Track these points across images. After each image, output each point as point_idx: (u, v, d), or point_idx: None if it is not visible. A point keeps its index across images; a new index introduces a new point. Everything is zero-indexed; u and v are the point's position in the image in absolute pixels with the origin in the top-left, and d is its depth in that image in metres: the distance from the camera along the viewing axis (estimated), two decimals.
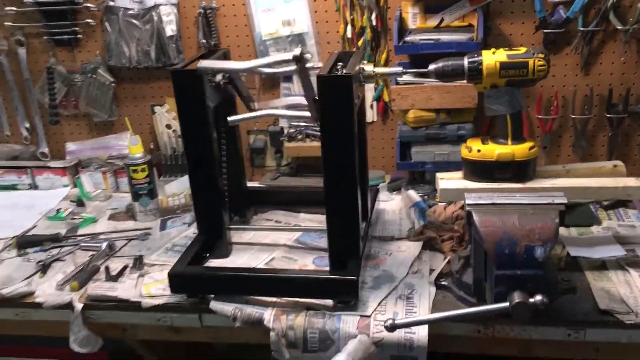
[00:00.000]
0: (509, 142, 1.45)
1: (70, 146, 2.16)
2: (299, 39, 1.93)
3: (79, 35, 2.03)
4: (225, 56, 1.63)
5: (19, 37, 2.06)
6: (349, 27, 1.88)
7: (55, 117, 2.11)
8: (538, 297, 1.16)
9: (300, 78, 1.34)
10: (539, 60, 1.36)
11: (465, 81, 1.41)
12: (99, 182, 2.12)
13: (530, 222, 1.22)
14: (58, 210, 1.99)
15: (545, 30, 1.81)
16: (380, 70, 1.45)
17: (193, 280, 1.47)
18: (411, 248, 1.64)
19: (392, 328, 1.22)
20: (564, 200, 1.25)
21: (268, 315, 1.41)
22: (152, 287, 1.53)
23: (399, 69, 1.44)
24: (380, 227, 1.77)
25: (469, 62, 1.39)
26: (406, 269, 1.55)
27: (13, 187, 2.19)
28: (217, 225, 1.61)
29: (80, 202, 2.02)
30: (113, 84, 2.07)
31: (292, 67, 1.35)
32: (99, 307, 1.53)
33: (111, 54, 2.02)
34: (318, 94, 1.33)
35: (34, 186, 2.19)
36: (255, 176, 2.15)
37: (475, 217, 1.25)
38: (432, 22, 1.85)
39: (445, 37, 1.76)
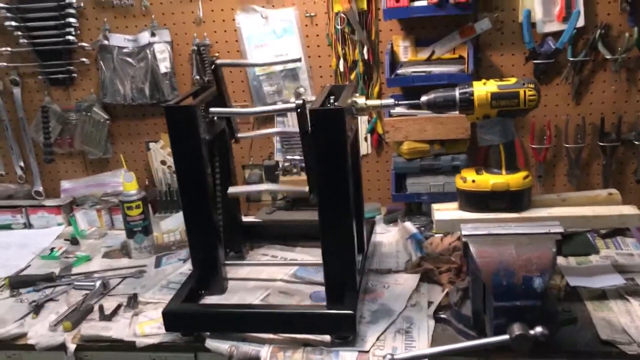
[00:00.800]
0: (503, 171, 1.45)
1: (65, 184, 2.16)
2: (292, 73, 1.94)
3: (73, 74, 2.05)
4: (216, 92, 1.64)
5: (13, 77, 2.08)
6: (342, 61, 1.90)
7: (50, 156, 2.10)
8: (538, 329, 1.14)
9: (299, 120, 1.35)
10: (529, 90, 1.37)
11: (457, 112, 1.42)
12: (94, 220, 2.11)
13: (527, 252, 1.21)
14: (52, 250, 1.98)
15: (535, 61, 1.83)
16: (373, 102, 1.46)
17: (188, 318, 1.45)
18: (409, 280, 1.62)
19: None
20: (560, 230, 1.25)
21: (265, 353, 1.39)
22: (146, 325, 1.51)
23: (391, 100, 1.45)
24: (378, 260, 1.76)
25: (460, 94, 1.40)
26: (404, 302, 1.53)
27: (8, 227, 2.18)
28: (212, 261, 1.60)
29: (74, 241, 2.01)
30: (108, 122, 2.08)
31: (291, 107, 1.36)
32: (93, 348, 1.50)
33: (106, 91, 2.03)
34: (311, 128, 1.33)
35: (28, 225, 2.18)
36: (252, 210, 2.14)
37: (471, 247, 1.24)
38: (424, 54, 1.87)
39: (436, 69, 1.78)
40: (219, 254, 1.60)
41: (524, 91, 1.37)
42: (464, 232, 1.28)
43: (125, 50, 2.00)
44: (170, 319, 1.45)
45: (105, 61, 2.01)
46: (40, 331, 1.54)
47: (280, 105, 1.53)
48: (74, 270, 1.86)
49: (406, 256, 1.75)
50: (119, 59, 2.00)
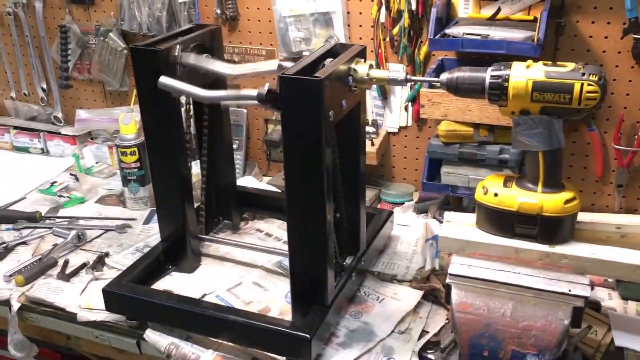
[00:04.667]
0: (539, 188, 1.06)
1: (81, 113, 2.00)
2: (324, 18, 1.60)
3: None
4: (213, 35, 1.35)
5: None
6: (383, 10, 1.53)
7: (65, 81, 1.94)
8: None
9: None
10: (589, 85, 0.96)
11: (486, 100, 1.04)
12: (105, 157, 1.94)
13: (526, 317, 0.86)
14: (52, 184, 1.84)
15: (635, 36, 1.36)
16: (377, 73, 1.11)
17: (129, 301, 1.24)
18: (408, 297, 1.31)
19: None
20: (586, 293, 0.87)
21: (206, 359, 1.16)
22: (94, 298, 1.32)
23: (401, 74, 1.10)
24: (386, 260, 1.45)
25: (492, 77, 1.02)
26: (392, 326, 1.23)
27: (26, 150, 2.07)
28: (180, 232, 1.37)
29: (76, 177, 1.85)
30: (125, 51, 1.86)
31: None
32: (36, 311, 1.35)
33: (123, 16, 1.80)
34: (280, 98, 1.03)
35: (45, 151, 2.06)
36: (272, 171, 1.88)
37: (453, 294, 0.91)
38: (488, 11, 1.46)
39: (496, 32, 1.37)
40: (188, 223, 1.36)
41: (581, 84, 0.97)
42: (450, 270, 0.94)
43: None
44: (110, 298, 1.25)
45: None
46: None
47: (241, 91, 1.20)
48: (62, 212, 1.71)
49: (421, 262, 1.43)
50: None
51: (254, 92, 1.07)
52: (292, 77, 1.01)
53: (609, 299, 1.30)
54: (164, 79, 1.18)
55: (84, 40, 1.91)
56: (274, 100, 1.05)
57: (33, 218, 1.64)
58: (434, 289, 1.29)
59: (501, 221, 1.09)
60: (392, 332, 1.22)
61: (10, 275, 1.41)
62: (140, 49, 1.20)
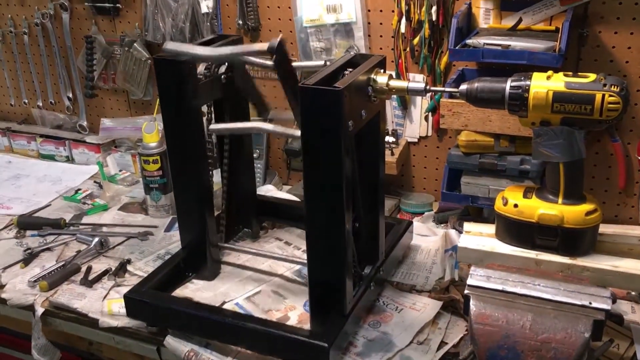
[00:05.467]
0: (560, 199, 1.06)
1: (106, 122, 2.03)
2: (345, 29, 1.61)
3: (118, 5, 1.86)
4: (235, 44, 1.36)
5: (63, 2, 1.94)
6: (404, 21, 1.53)
7: (91, 90, 1.97)
8: None
9: (280, 79, 1.05)
10: (610, 96, 0.96)
11: (506, 111, 1.04)
12: (129, 165, 1.97)
13: (547, 330, 0.85)
14: (77, 191, 1.87)
15: None
16: (397, 84, 1.11)
17: (150, 307, 1.26)
18: (428, 307, 1.30)
19: None
20: (607, 306, 0.86)
21: None
22: (115, 303, 1.34)
23: (421, 84, 1.10)
24: (405, 270, 1.45)
25: (512, 87, 1.02)
26: (411, 336, 1.22)
27: (52, 157, 2.11)
28: (201, 240, 1.38)
29: (100, 185, 1.88)
30: (149, 61, 1.89)
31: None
32: (60, 316, 1.37)
33: (147, 27, 1.83)
34: (300, 109, 1.03)
35: (71, 159, 2.09)
36: (292, 180, 1.89)
37: (472, 305, 0.90)
38: (509, 22, 1.46)
39: (518, 43, 1.36)
40: (208, 231, 1.37)
41: (603, 95, 0.96)
42: (469, 281, 0.94)
43: None
44: (132, 304, 1.27)
45: None
46: (18, 285, 1.44)
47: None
48: (86, 219, 1.73)
49: (440, 273, 1.42)
50: None
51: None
52: (312, 87, 1.02)
53: (632, 313, 1.28)
54: (168, 44, 1.17)
55: (109, 51, 1.95)
56: (284, 55, 1.03)
57: (57, 225, 1.67)
58: (453, 299, 1.29)
59: (521, 232, 1.09)
60: (411, 342, 1.21)
61: (35, 281, 1.43)
62: (163, 59, 1.22)
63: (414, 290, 1.37)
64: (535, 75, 1.01)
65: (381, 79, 1.12)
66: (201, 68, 1.30)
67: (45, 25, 2.00)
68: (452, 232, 1.51)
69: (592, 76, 0.99)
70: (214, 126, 1.25)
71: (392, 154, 1.63)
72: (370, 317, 1.29)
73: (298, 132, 1.09)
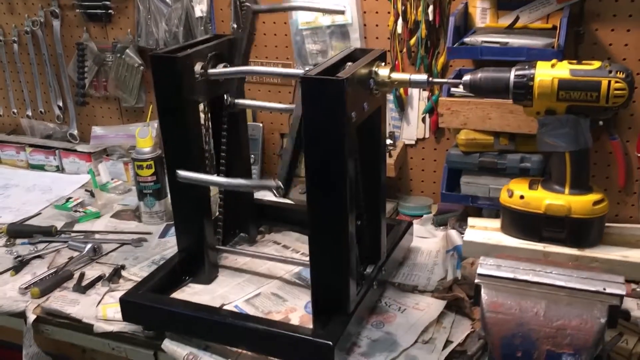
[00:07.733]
0: (566, 190, 1.05)
1: (97, 130, 2.00)
2: (340, 31, 1.60)
3: (110, 11, 1.85)
4: (231, 44, 1.35)
5: (53, 9, 1.92)
6: (400, 21, 1.53)
7: (82, 98, 1.95)
8: None
9: None
10: (616, 82, 0.95)
11: (511, 101, 1.03)
12: (121, 173, 1.94)
13: (561, 317, 0.83)
14: (68, 199, 1.83)
15: None
16: (399, 76, 1.10)
17: (146, 310, 1.22)
18: (431, 307, 1.28)
19: None
20: (622, 291, 0.85)
21: None
22: (110, 308, 1.30)
23: (423, 77, 1.09)
24: (407, 271, 1.42)
25: (516, 76, 1.01)
26: (415, 335, 1.20)
27: (41, 167, 2.07)
28: (198, 243, 1.35)
29: (92, 193, 1.85)
30: (142, 67, 1.87)
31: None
32: (52, 323, 1.33)
33: (140, 33, 1.82)
34: (301, 100, 1.02)
35: (61, 168, 2.05)
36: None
37: (483, 294, 0.88)
38: (506, 20, 1.46)
39: (516, 40, 1.36)
40: (206, 234, 1.34)
41: (609, 82, 0.96)
42: (479, 270, 0.91)
43: None
44: (128, 308, 1.23)
45: None
46: (9, 293, 1.40)
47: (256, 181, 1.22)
48: (78, 226, 1.69)
49: (442, 273, 1.40)
50: None
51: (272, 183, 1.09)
52: (314, 77, 1.00)
53: (638, 309, 1.26)
54: (181, 173, 1.18)
55: (100, 58, 1.93)
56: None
57: (48, 232, 1.63)
58: (457, 298, 1.26)
59: (528, 224, 1.08)
60: (416, 342, 1.19)
61: (26, 288, 1.39)
62: (160, 56, 1.20)
63: (416, 291, 1.35)
64: (540, 63, 1.01)
65: (383, 71, 1.10)
66: (198, 67, 1.28)
67: (35, 33, 1.97)
68: (453, 233, 1.49)
69: (597, 63, 0.98)
70: (181, 173, 1.19)
71: (390, 156, 1.62)
72: (373, 318, 1.26)
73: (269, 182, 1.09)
